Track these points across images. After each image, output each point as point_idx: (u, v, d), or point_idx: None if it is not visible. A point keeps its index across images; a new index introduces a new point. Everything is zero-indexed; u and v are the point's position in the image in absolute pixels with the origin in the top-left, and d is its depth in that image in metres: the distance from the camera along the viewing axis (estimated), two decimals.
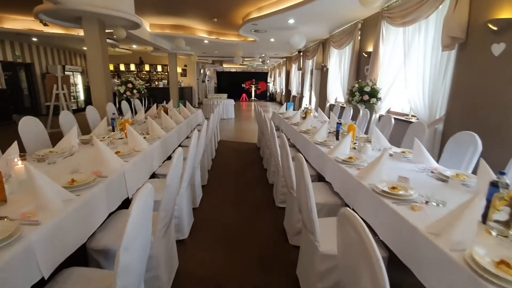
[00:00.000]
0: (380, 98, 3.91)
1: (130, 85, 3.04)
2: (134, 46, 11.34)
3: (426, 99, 3.71)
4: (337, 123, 3.17)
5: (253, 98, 20.23)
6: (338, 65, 7.15)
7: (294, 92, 13.41)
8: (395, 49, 4.63)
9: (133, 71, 13.43)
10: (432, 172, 2.02)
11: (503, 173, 1.29)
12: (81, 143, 2.63)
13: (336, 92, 7.65)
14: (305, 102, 11.29)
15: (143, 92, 3.16)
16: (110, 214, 1.81)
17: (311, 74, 10.76)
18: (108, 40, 10.08)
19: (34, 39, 9.29)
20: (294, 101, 12.92)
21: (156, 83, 13.45)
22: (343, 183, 2.18)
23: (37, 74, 10.45)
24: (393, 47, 4.67)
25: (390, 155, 2.52)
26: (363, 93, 3.77)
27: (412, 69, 4.02)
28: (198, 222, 2.76)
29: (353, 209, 1.08)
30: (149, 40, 8.05)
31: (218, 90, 20.84)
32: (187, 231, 2.52)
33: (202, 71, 18.84)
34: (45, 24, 7.01)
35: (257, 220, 2.89)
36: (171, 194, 1.77)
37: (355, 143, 2.75)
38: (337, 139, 3.15)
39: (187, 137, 4.58)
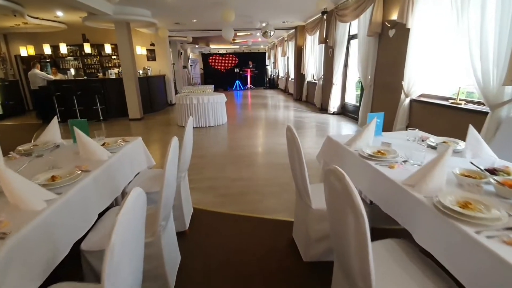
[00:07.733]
0: None
1: None
2: (60, 14, 7.03)
3: None
4: None
5: (249, 85, 16.13)
6: (455, 16, 3.17)
7: (310, 77, 9.38)
8: None
9: (66, 55, 8.88)
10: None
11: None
12: None
13: (439, 77, 3.72)
14: (335, 96, 7.23)
15: None
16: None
17: (347, 48, 6.73)
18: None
19: None
20: (306, 91, 8.85)
21: (111, 72, 9.09)
22: None
23: None
24: None
25: None
26: None
27: None
28: None
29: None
30: None
31: (205, 78, 16.58)
32: None
33: (182, 53, 14.52)
34: None
35: None
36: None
37: None
38: None
39: None
